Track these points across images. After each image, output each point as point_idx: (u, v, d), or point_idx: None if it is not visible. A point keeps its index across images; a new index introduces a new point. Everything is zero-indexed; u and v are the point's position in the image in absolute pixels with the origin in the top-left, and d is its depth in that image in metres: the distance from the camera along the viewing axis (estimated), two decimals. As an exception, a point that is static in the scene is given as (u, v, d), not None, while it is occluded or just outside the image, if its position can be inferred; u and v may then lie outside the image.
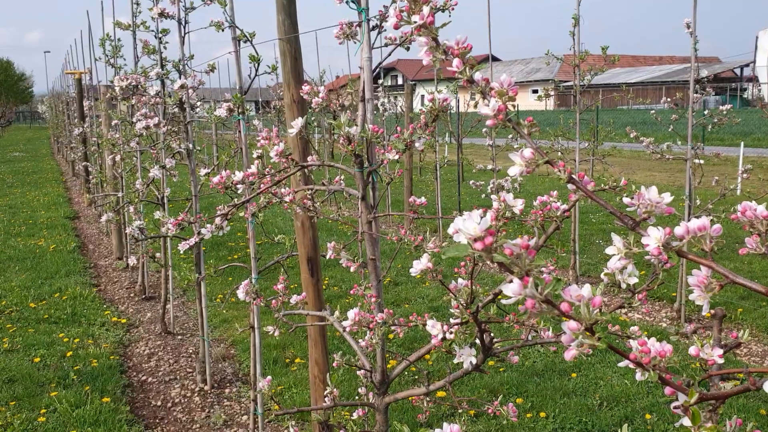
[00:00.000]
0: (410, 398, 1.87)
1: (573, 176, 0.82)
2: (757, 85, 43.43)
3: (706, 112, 5.65)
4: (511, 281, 0.64)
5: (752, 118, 25.29)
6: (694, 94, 5.23)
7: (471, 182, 7.00)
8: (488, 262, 0.71)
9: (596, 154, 7.25)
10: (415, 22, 0.93)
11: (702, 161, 5.41)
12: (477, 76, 0.91)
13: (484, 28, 7.14)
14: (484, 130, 7.14)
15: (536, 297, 0.63)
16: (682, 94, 5.94)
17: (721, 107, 5.49)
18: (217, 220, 1.67)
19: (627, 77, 47.79)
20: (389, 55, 1.70)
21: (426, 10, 0.92)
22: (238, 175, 1.54)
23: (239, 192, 1.60)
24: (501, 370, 4.23)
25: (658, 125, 6.70)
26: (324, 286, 6.13)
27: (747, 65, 48.34)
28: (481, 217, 1.45)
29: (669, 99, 6.49)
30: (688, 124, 5.16)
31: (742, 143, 13.41)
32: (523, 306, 0.64)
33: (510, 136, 7.02)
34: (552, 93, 6.71)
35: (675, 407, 0.72)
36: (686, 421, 0.70)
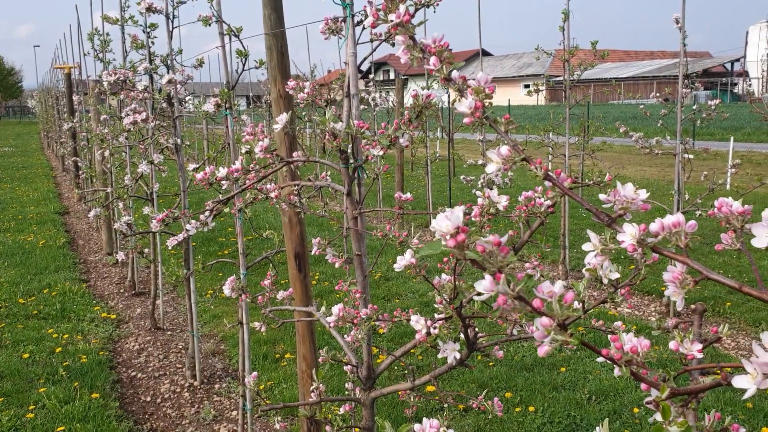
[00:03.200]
0: (398, 393, 1.87)
1: (549, 173, 0.82)
2: (747, 80, 43.62)
3: (695, 107, 5.67)
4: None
5: (742, 112, 25.36)
6: (683, 89, 5.25)
7: (462, 177, 7.00)
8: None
9: (586, 149, 7.26)
10: (392, 20, 0.93)
11: (691, 156, 5.43)
12: (454, 74, 0.92)
13: (476, 23, 7.15)
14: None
15: (508, 293, 0.63)
16: (671, 88, 5.96)
17: (709, 102, 5.52)
18: (202, 217, 1.67)
19: (618, 72, 47.89)
20: (373, 51, 1.70)
21: (402, 8, 0.92)
22: (222, 172, 1.54)
23: (224, 188, 1.59)
24: (490, 364, 4.24)
25: (649, 120, 6.72)
26: (314, 282, 6.14)
27: (737, 60, 48.53)
28: (467, 213, 1.45)
29: (658, 94, 6.52)
30: (677, 119, 5.18)
31: (732, 138, 13.46)
32: (495, 303, 0.64)
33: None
34: (542, 88, 6.72)
35: (647, 402, 0.73)
36: (659, 416, 0.71)
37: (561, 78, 6.25)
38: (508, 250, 0.65)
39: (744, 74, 44.93)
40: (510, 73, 54.62)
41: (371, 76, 10.81)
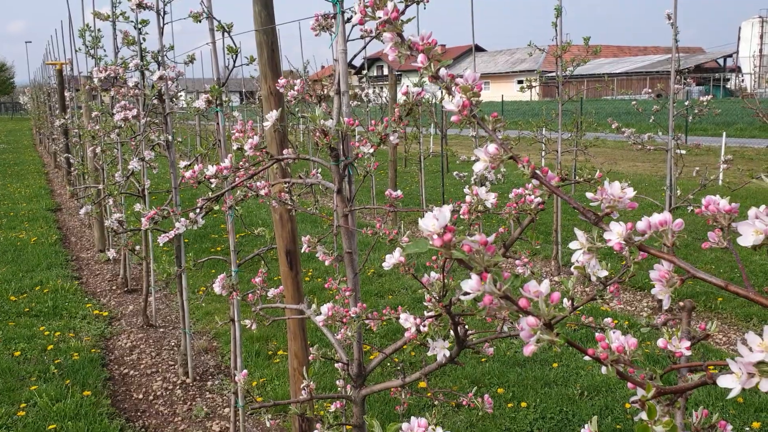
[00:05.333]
0: (390, 390, 1.87)
1: (536, 172, 0.82)
2: (739, 76, 43.73)
3: (687, 103, 5.68)
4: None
5: (735, 108, 25.43)
6: (676, 85, 5.25)
7: (455, 173, 7.00)
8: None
9: (579, 145, 7.27)
10: (380, 17, 0.92)
11: (684, 152, 5.45)
12: (442, 72, 0.91)
13: (470, 18, 7.13)
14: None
15: (494, 293, 0.63)
16: (663, 84, 5.98)
17: (701, 98, 5.53)
18: (192, 215, 1.66)
19: (611, 67, 47.92)
20: (364, 48, 1.70)
21: (390, 5, 0.92)
22: (211, 170, 1.53)
23: (213, 186, 1.59)
24: (483, 360, 4.25)
25: (642, 116, 6.74)
26: (307, 279, 6.13)
27: (730, 55, 48.66)
28: (455, 211, 1.44)
29: (651, 90, 6.53)
30: (669, 115, 5.19)
31: (724, 133, 13.50)
32: (482, 302, 0.64)
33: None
34: (535, 84, 6.72)
35: (633, 401, 0.72)
36: (644, 415, 0.71)
37: (554, 74, 6.25)
38: (495, 249, 0.65)
39: (736, 70, 45.06)
40: (503, 68, 54.61)
41: (364, 72, 10.78)
